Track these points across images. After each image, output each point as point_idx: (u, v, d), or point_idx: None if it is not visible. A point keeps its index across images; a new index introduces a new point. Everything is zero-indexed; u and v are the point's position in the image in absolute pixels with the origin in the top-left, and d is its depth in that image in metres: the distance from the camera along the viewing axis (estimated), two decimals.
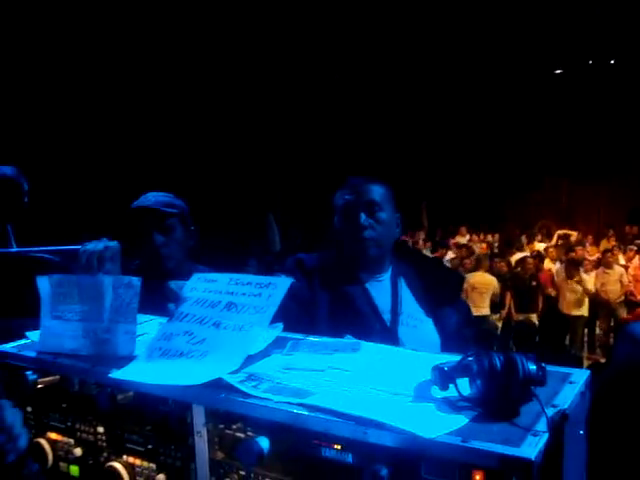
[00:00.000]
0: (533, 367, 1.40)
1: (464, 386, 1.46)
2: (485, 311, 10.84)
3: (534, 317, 11.24)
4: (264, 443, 1.50)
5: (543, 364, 1.45)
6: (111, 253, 2.07)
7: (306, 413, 1.45)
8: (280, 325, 2.01)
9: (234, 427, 1.59)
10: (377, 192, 2.66)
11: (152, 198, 2.88)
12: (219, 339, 1.78)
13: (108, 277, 1.95)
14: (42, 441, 2.02)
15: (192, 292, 1.96)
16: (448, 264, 11.58)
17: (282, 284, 1.88)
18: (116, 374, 1.76)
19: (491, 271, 11.49)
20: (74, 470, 1.97)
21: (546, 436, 1.29)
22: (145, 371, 1.75)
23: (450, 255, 13.36)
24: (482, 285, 10.90)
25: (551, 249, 14.01)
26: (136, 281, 1.91)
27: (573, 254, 12.40)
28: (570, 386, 1.54)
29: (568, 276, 11.31)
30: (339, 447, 1.44)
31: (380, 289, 2.69)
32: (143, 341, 1.94)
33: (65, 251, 2.67)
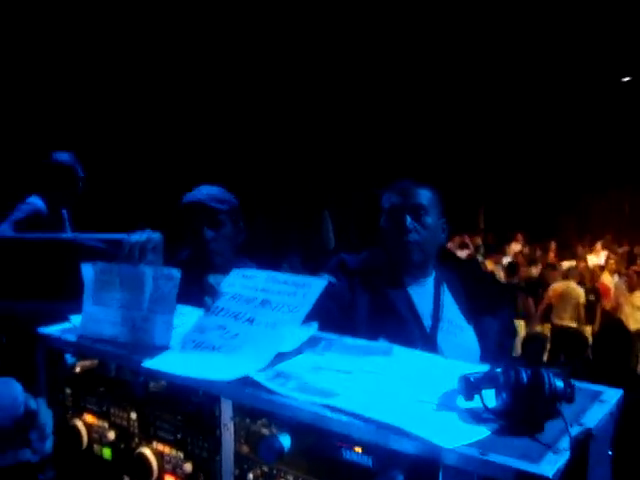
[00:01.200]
0: (560, 384, 1.38)
1: (490, 398, 1.45)
2: (568, 322, 10.41)
3: (588, 330, 10.99)
4: (285, 440, 1.51)
5: (572, 381, 1.44)
6: (154, 244, 2.11)
7: (329, 414, 1.46)
8: (315, 324, 2.02)
9: (259, 423, 1.61)
10: (424, 196, 2.65)
11: (204, 192, 2.91)
12: (251, 335, 1.81)
13: (149, 268, 1.99)
14: (78, 423, 2.08)
15: (229, 287, 1.99)
16: (501, 270, 11.42)
17: (317, 285, 1.89)
18: (148, 363, 1.80)
19: (543, 280, 11.25)
20: (107, 453, 2.02)
21: (567, 454, 1.27)
22: (177, 362, 1.78)
23: (507, 260, 13.14)
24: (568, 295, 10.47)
25: (611, 261, 13.68)
26: (176, 273, 1.94)
27: (636, 267, 12.07)
28: (600, 405, 1.51)
29: (630, 289, 11.00)
30: (360, 450, 1.44)
31: (422, 294, 2.67)
32: (179, 332, 1.97)
33: (114, 239, 2.73)
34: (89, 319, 2.05)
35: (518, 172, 17.91)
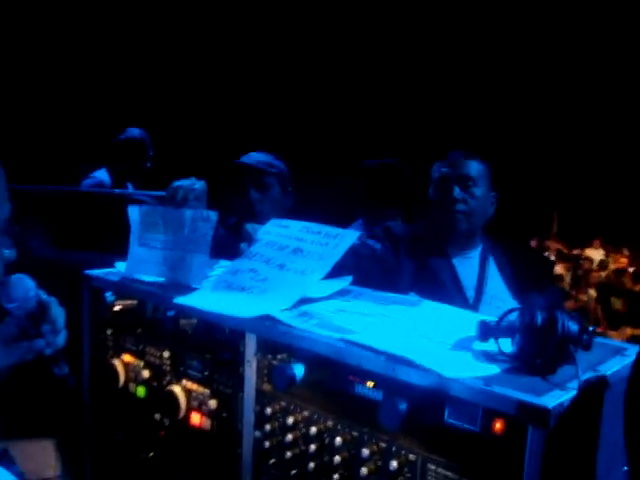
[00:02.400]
0: (574, 327, 1.36)
1: (507, 344, 1.44)
2: None
3: None
4: (299, 369, 1.54)
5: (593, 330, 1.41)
6: (197, 191, 2.16)
7: (342, 346, 1.47)
8: (349, 278, 2.03)
9: (279, 357, 1.64)
10: (473, 167, 2.63)
11: (252, 156, 2.96)
12: (280, 279, 1.84)
13: (189, 210, 2.04)
14: (116, 362, 2.15)
15: (265, 235, 2.03)
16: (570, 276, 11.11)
17: (349, 237, 1.91)
18: (180, 299, 1.85)
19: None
20: (141, 391, 2.08)
21: (573, 393, 1.25)
22: (207, 299, 1.83)
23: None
24: None
25: None
26: (213, 215, 2.00)
27: None
28: (620, 357, 1.49)
29: None
30: (371, 385, 1.45)
31: (467, 266, 2.65)
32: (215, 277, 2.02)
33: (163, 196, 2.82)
34: (134, 260, 2.12)
35: (595, 174, 17.38)
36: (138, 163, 4.92)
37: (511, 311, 1.45)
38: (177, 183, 2.15)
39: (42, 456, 2.81)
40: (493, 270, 2.67)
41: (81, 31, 5.76)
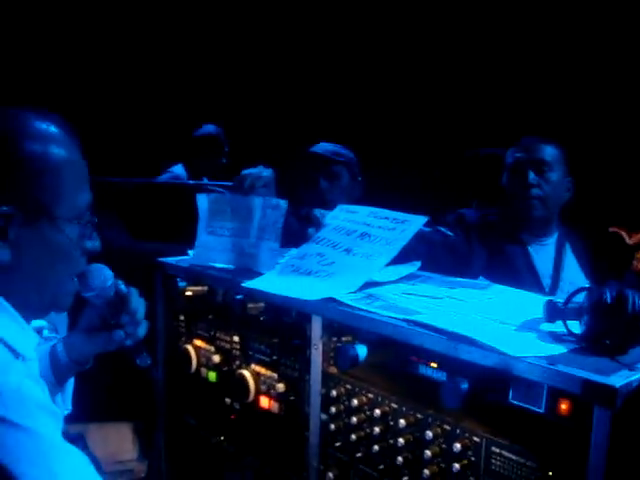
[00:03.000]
0: None
1: (576, 326, 1.39)
2: None
3: None
4: (361, 350, 1.53)
5: None
6: (266, 179, 2.18)
7: (405, 326, 1.46)
8: (418, 263, 2.02)
9: (344, 340, 1.64)
10: (549, 152, 2.57)
11: (321, 146, 2.98)
12: (347, 263, 1.84)
13: (258, 198, 2.06)
14: (189, 347, 2.19)
15: (332, 220, 2.03)
16: None
17: (417, 221, 1.90)
18: (247, 283, 1.87)
19: None
20: (212, 376, 2.12)
21: None
22: (274, 283, 1.84)
23: None
24: None
25: None
26: (283, 203, 2.01)
27: None
28: None
29: None
30: (435, 365, 1.44)
31: (543, 253, 2.60)
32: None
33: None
34: (202, 247, 2.15)
35: None
36: (213, 158, 5.01)
37: (579, 291, 1.41)
38: (245, 171, 2.17)
39: (120, 440, 2.90)
40: (570, 257, 2.60)
41: (163, 28, 5.89)
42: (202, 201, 2.16)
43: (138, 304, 1.59)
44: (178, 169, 4.98)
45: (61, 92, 5.02)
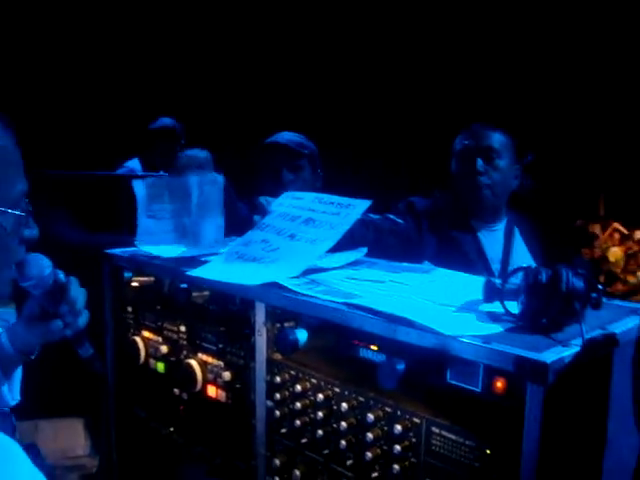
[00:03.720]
0: (580, 284, 1.32)
1: (513, 306, 1.40)
2: None
3: None
4: (301, 334, 1.53)
5: (602, 288, 1.36)
6: (201, 159, 2.17)
7: (345, 309, 1.45)
8: (364, 249, 2.01)
9: (287, 326, 1.63)
10: (497, 139, 2.59)
11: (286, 136, 2.95)
12: (291, 249, 1.83)
13: (194, 177, 2.05)
14: (137, 339, 2.17)
15: (278, 207, 2.02)
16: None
17: (360, 205, 1.89)
18: (192, 271, 1.85)
19: None
20: (160, 367, 2.10)
21: (576, 349, 1.21)
22: (218, 270, 1.83)
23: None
24: None
25: None
26: (220, 177, 2.01)
27: None
28: (634, 317, 1.43)
29: None
30: (375, 348, 1.44)
31: (492, 239, 2.61)
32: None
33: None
34: (144, 232, 2.13)
35: None
36: (170, 152, 4.92)
37: (517, 271, 1.41)
38: (185, 153, 2.16)
39: (71, 435, 2.86)
40: (519, 242, 2.62)
41: (116, 21, 5.82)
42: (138, 187, 2.14)
43: (78, 293, 1.57)
44: (133, 163, 4.90)
45: (15, 84, 4.94)
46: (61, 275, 1.55)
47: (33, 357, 1.68)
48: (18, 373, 1.71)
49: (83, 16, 5.70)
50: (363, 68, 5.68)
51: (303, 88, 5.77)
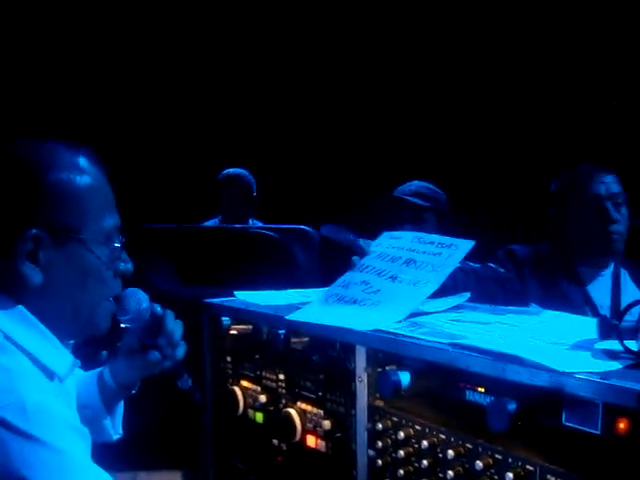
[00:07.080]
0: None
1: (633, 344, 1.30)
2: None
3: None
4: (404, 376, 1.46)
5: None
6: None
7: (449, 349, 1.39)
8: (467, 294, 1.95)
9: (388, 369, 1.57)
10: (619, 184, 2.50)
11: (410, 189, 2.92)
12: (393, 291, 1.78)
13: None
14: (236, 389, 2.14)
15: (377, 247, 1.99)
16: None
17: (463, 246, 1.83)
18: (290, 316, 1.83)
19: None
20: (259, 417, 2.06)
21: None
22: (318, 313, 1.79)
23: None
24: None
25: None
26: None
27: None
28: None
29: None
30: (481, 389, 1.36)
31: (599, 285, 2.51)
32: None
33: (285, 229, 2.82)
34: None
35: None
36: (245, 206, 4.83)
37: (632, 306, 1.32)
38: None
39: None
40: (630, 285, 2.50)
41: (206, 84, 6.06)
42: None
43: (175, 326, 1.63)
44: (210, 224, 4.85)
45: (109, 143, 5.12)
46: (158, 308, 1.59)
47: (134, 391, 1.74)
48: (120, 408, 1.77)
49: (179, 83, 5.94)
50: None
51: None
